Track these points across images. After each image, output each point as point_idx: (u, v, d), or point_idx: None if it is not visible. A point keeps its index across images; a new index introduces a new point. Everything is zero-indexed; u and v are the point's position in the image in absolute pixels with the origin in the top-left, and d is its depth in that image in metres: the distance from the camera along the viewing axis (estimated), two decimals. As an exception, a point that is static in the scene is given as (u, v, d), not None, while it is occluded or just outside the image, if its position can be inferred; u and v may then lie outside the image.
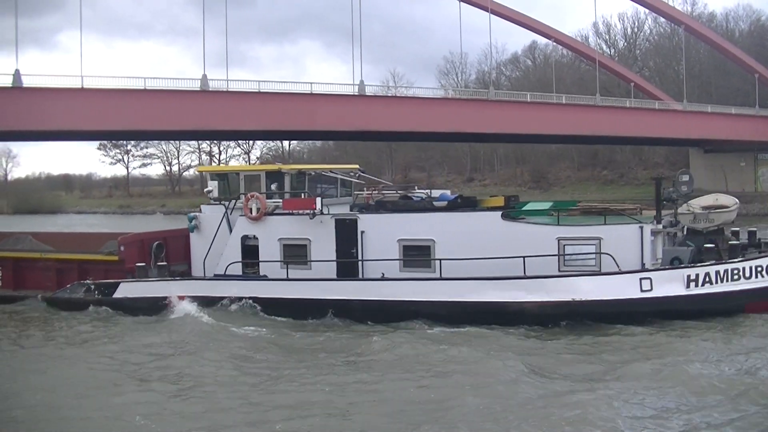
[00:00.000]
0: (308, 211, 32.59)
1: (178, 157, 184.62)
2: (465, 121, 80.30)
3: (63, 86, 64.25)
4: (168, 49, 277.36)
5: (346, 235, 32.54)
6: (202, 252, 34.93)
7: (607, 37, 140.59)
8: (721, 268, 28.54)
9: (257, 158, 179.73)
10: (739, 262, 28.92)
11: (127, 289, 34.21)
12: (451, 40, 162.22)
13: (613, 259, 28.80)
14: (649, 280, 28.19)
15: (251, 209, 33.64)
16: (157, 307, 33.02)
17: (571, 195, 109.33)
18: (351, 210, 35.30)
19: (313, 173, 35.83)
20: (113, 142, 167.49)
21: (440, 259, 30.55)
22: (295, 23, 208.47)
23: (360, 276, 32.20)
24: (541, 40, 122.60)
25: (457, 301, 29.30)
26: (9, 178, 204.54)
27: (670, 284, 28.29)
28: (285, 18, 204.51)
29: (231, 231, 34.76)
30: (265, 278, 33.31)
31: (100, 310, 33.91)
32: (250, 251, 34.07)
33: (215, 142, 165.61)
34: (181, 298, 32.82)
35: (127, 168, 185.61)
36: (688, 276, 28.38)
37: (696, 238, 32.04)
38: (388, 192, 39.54)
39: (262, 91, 71.55)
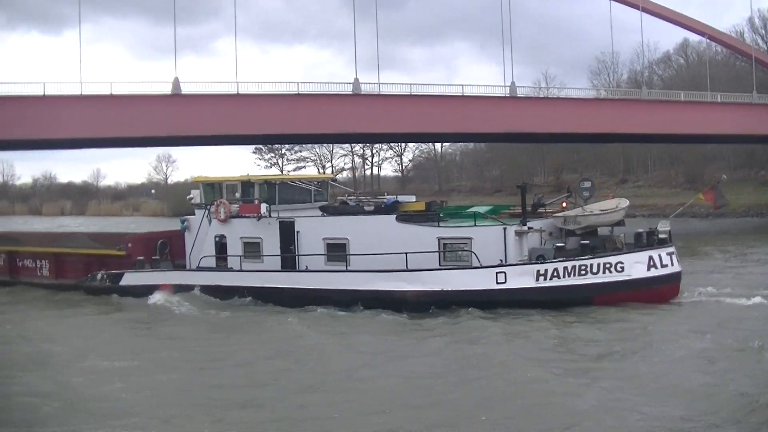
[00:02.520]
0: (255, 215, 40.03)
1: (332, 160, 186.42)
2: (617, 122, 79.29)
3: (219, 92, 66.23)
4: (321, 53, 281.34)
5: (287, 234, 39.18)
6: (190, 249, 42.77)
7: (764, 32, 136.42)
8: (569, 264, 33.20)
9: (410, 161, 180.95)
10: (587, 259, 33.28)
11: (129, 278, 42.68)
12: (603, 39, 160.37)
13: (476, 255, 33.98)
14: (503, 274, 33.24)
15: (220, 213, 40.92)
16: (149, 292, 40.65)
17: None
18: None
19: (278, 183, 42.64)
20: (268, 146, 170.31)
21: (348, 255, 37.33)
22: (447, 24, 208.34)
23: (296, 268, 38.60)
24: (694, 38, 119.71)
25: (356, 290, 35.42)
26: (169, 181, 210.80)
27: (521, 277, 33.22)
28: (436, 19, 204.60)
29: None
30: (227, 269, 40.73)
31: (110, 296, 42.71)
32: (222, 247, 41.36)
33: (368, 144, 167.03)
34: (167, 286, 40.57)
35: (282, 171, 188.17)
36: (538, 271, 33.18)
37: (573, 238, 35.69)
38: (362, 198, 45.37)
39: (413, 93, 72.21)
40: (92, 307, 40.21)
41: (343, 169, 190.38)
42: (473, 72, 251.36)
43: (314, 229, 38.62)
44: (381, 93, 71.53)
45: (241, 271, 39.69)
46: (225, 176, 43.98)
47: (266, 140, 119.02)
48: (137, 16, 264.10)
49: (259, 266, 39.47)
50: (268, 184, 42.03)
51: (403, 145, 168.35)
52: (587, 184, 37.54)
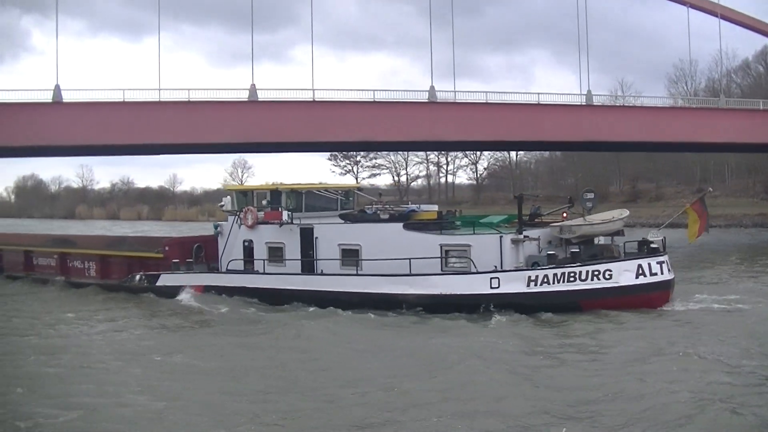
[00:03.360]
0: (277, 221, 42.69)
1: (406, 168, 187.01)
2: (694, 131, 78.46)
3: (296, 99, 66.92)
4: (398, 60, 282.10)
5: (307, 240, 41.85)
6: (222, 252, 45.70)
7: None
8: (559, 271, 35.52)
9: (485, 169, 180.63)
10: (576, 266, 35.57)
11: (165, 279, 45.72)
12: (681, 46, 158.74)
13: (472, 262, 36.72)
14: (497, 279, 35.78)
15: (248, 219, 43.84)
16: (180, 293, 43.92)
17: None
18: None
19: (304, 192, 45.64)
20: (343, 153, 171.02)
21: (360, 259, 39.82)
22: (524, 32, 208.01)
23: (315, 272, 41.24)
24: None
25: (365, 292, 38.17)
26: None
27: (514, 283, 35.75)
28: (514, 27, 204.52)
29: None
30: (253, 272, 43.24)
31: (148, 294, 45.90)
32: (249, 251, 44.08)
33: (443, 152, 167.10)
34: (198, 287, 43.80)
35: (356, 178, 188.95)
36: (529, 277, 35.63)
37: (570, 246, 37.76)
38: (386, 206, 46.64)
39: (489, 102, 72.16)
40: (135, 308, 42.86)
41: (417, 177, 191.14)
42: (550, 80, 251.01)
43: (331, 236, 41.38)
44: (457, 101, 71.71)
45: (264, 273, 42.67)
46: (255, 185, 47.31)
47: (342, 147, 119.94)
48: (215, 24, 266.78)
49: (282, 269, 42.55)
50: (295, 192, 45.21)
51: (478, 153, 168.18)
52: (590, 195, 39.78)
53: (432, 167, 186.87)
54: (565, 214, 40.37)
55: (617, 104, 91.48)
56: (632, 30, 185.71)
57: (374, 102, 68.97)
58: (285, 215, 42.65)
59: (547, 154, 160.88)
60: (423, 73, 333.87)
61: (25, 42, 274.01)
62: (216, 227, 47.36)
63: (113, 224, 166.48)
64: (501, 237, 36.71)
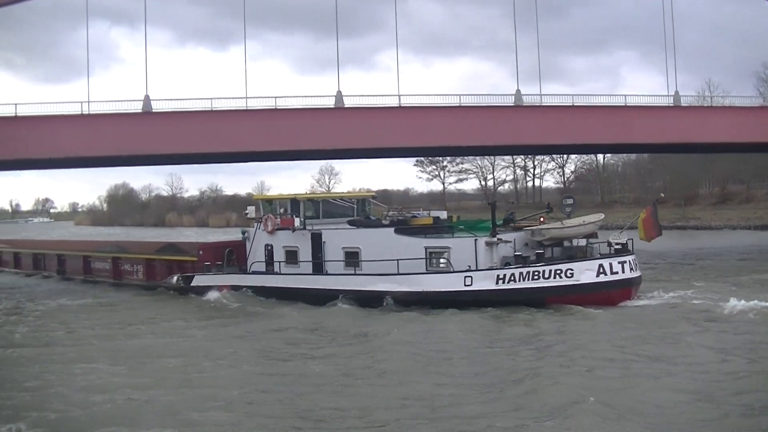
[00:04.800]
0: (290, 227, 47.28)
1: (493, 172, 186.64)
2: (786, 130, 76.98)
3: (381, 105, 67.48)
4: (483, 64, 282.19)
5: (316, 244, 46.33)
6: (247, 255, 50.76)
7: None
8: (525, 270, 39.29)
9: (572, 172, 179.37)
10: (540, 266, 39.35)
11: (198, 280, 51.08)
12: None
13: (449, 262, 41.15)
14: (470, 278, 39.83)
15: (268, 225, 48.46)
16: (210, 291, 48.92)
17: None
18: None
19: (321, 200, 51.18)
20: (429, 158, 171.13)
21: (360, 261, 44.09)
22: (610, 33, 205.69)
23: (322, 272, 45.81)
24: None
25: (362, 290, 42.67)
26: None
27: (485, 281, 39.70)
28: (600, 28, 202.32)
29: None
30: (271, 273, 48.17)
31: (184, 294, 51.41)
32: (270, 254, 48.79)
33: (529, 156, 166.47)
34: (226, 286, 48.68)
35: (443, 183, 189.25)
36: (498, 275, 39.52)
37: (541, 247, 41.38)
38: (393, 213, 50.97)
39: (575, 105, 71.88)
40: (169, 305, 48.76)
41: (504, 181, 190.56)
42: (637, 81, 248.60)
43: (336, 240, 45.80)
44: (543, 104, 71.49)
45: (281, 274, 47.44)
46: (277, 195, 54.03)
47: (428, 152, 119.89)
48: (300, 31, 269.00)
49: (296, 270, 47.14)
50: (312, 201, 50.61)
51: (565, 156, 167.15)
52: (569, 201, 45.44)
53: (519, 171, 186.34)
54: (542, 219, 44.02)
55: (705, 105, 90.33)
56: (721, 28, 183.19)
57: (460, 107, 69.07)
58: (297, 222, 47.42)
59: (634, 156, 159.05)
60: (508, 76, 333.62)
61: (115, 53, 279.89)
62: (243, 233, 52.72)
63: (204, 231, 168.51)
64: (476, 240, 40.96)
